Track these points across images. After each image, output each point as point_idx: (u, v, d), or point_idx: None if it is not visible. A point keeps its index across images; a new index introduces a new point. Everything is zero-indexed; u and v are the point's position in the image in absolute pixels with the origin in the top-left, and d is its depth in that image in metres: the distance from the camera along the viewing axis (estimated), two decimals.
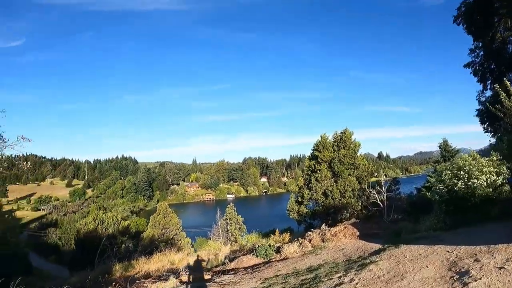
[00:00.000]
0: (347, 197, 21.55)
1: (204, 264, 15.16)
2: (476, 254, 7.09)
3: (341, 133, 23.58)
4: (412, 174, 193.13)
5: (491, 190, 11.08)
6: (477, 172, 11.22)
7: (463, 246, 7.92)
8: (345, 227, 14.00)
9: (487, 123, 26.29)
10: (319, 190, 22.29)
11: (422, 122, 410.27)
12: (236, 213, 37.88)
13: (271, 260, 12.58)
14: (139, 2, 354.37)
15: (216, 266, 13.48)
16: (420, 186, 30.10)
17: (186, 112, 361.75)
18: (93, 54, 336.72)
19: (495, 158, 11.90)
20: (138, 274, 12.64)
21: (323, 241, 13.34)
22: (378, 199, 16.92)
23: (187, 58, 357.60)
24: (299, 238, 14.25)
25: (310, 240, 13.52)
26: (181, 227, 37.51)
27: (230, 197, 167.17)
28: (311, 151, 24.63)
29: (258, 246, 14.12)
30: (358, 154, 23.63)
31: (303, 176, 25.53)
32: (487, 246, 7.41)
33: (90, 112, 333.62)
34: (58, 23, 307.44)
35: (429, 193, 17.62)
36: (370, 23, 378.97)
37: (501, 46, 24.86)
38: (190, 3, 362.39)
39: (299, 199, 24.50)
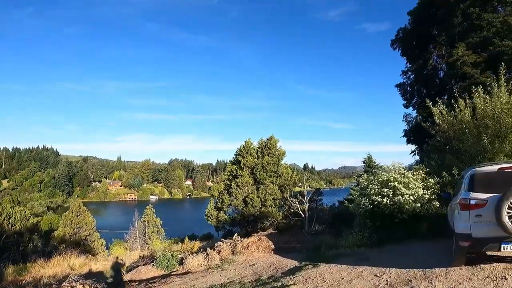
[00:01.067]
0: (267, 206, 20.54)
1: (104, 272, 13.87)
2: (411, 281, 5.70)
3: (267, 139, 22.83)
4: (335, 187, 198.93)
5: (419, 205, 10.12)
6: (403, 189, 10.22)
7: (393, 268, 6.57)
8: (259, 239, 12.30)
9: (413, 143, 27.07)
10: (239, 196, 21.06)
11: (350, 138, 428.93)
12: (155, 215, 35.97)
13: (172, 274, 10.88)
14: None
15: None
16: (343, 198, 29.98)
17: (118, 107, 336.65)
18: (31, 33, 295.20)
19: (422, 172, 11.15)
20: (25, 281, 11.32)
21: (233, 253, 11.54)
22: (300, 209, 15.78)
23: (127, 51, 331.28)
24: (207, 249, 12.32)
25: (219, 252, 11.67)
26: (95, 227, 34.73)
27: (153, 198, 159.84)
28: (234, 156, 23.55)
29: (160, 255, 12.22)
30: (283, 162, 22.91)
31: (224, 181, 24.05)
32: (422, 271, 6.10)
33: (14, 94, 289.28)
34: None
35: (352, 206, 16.92)
36: (312, 40, 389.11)
37: (432, 71, 25.89)
38: None
39: (219, 205, 23.18)
